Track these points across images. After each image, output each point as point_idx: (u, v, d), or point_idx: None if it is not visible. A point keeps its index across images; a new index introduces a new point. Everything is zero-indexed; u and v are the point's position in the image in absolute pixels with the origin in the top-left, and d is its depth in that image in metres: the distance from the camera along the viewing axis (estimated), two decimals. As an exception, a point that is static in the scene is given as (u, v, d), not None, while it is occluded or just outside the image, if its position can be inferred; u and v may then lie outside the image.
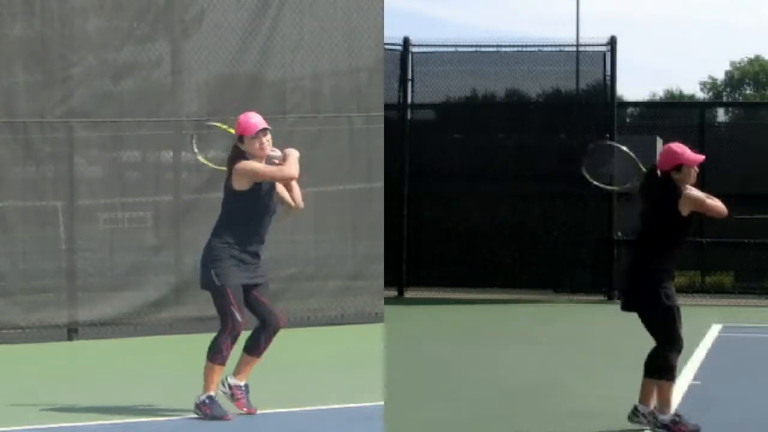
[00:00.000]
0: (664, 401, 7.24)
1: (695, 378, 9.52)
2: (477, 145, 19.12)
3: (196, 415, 7.59)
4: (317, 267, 12.45)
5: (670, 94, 61.35)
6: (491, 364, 10.90)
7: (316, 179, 11.59)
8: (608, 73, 18.13)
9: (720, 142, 19.61)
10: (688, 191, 7.35)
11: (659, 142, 18.64)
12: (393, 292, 17.74)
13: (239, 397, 7.76)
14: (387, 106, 15.34)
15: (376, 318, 12.21)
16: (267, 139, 7.72)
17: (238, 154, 7.74)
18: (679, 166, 7.36)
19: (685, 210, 7.32)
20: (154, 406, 8.13)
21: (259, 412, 7.76)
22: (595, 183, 8.31)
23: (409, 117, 19.07)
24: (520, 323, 15.40)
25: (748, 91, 64.81)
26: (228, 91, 12.43)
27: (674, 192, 7.33)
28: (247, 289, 7.72)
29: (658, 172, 7.43)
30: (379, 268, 12.48)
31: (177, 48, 12.37)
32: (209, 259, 7.66)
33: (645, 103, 37.31)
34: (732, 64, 66.95)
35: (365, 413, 7.86)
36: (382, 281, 12.64)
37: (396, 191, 17.67)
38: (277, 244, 12.25)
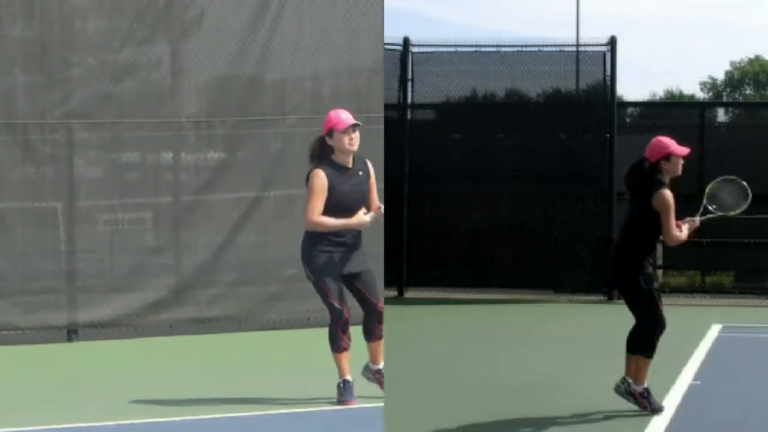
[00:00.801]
0: (641, 375, 7.80)
1: (695, 378, 9.51)
2: (477, 145, 19.10)
3: (192, 417, 7.58)
4: (318, 268, 12.37)
5: (670, 94, 61.49)
6: (491, 364, 10.89)
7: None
8: (608, 73, 18.09)
9: (720, 142, 19.54)
10: (664, 191, 7.70)
11: (659, 142, 18.62)
12: (393, 292, 17.72)
13: (381, 378, 8.19)
14: (387, 107, 15.31)
15: (376, 319, 12.16)
16: (356, 136, 7.96)
17: (323, 149, 8.00)
18: (669, 155, 7.85)
19: (654, 203, 7.70)
20: (154, 407, 8.13)
21: (258, 413, 7.77)
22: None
23: (409, 117, 19.05)
24: (520, 323, 15.39)
25: (748, 91, 64.95)
26: (228, 92, 12.43)
27: (654, 184, 7.76)
28: (350, 278, 8.01)
29: (646, 164, 7.87)
30: (379, 269, 12.44)
31: (176, 49, 12.36)
32: (303, 257, 7.99)
33: (645, 103, 37.33)
34: (732, 64, 67.14)
35: (365, 413, 7.87)
36: (382, 283, 12.59)
37: (396, 191, 17.65)
38: (277, 244, 12.28)
